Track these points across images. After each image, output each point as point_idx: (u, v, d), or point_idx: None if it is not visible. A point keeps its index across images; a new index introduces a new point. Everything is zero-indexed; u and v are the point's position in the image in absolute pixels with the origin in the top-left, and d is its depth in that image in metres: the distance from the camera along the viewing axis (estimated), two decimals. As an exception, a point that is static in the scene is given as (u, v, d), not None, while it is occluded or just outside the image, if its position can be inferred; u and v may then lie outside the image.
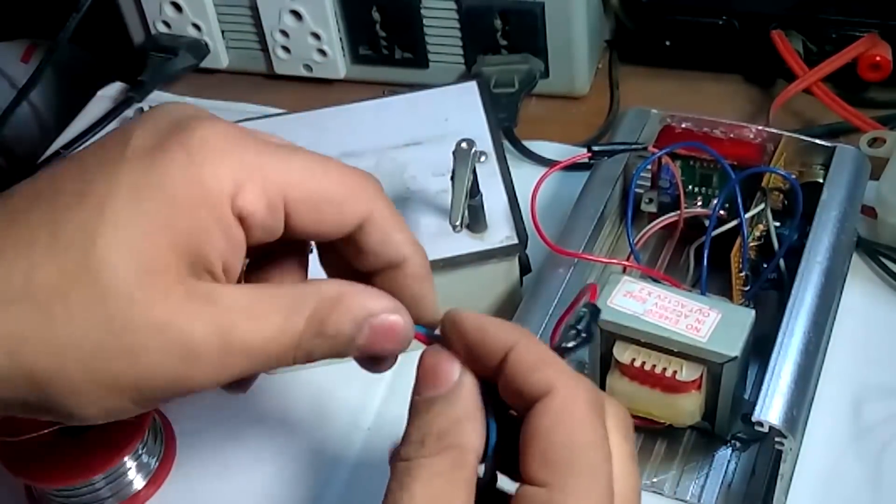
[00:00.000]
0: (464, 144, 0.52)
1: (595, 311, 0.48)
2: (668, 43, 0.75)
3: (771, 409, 0.45)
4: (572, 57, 0.73)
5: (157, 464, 0.54)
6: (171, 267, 0.35)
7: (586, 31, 0.73)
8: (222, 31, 0.79)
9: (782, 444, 0.45)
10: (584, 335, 0.46)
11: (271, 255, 0.41)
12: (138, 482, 0.53)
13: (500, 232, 0.56)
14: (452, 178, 0.52)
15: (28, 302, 0.34)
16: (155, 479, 0.54)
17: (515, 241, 0.55)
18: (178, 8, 0.78)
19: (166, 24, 0.79)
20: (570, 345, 0.46)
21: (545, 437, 0.34)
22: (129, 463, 0.52)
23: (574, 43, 0.73)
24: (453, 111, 0.63)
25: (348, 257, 0.40)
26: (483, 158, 0.58)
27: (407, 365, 0.39)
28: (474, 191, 0.53)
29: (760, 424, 0.45)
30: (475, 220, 0.54)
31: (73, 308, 0.34)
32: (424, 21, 0.74)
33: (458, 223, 0.51)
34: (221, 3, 0.78)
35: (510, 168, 0.60)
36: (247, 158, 0.37)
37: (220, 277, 0.37)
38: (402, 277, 0.40)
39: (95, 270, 0.34)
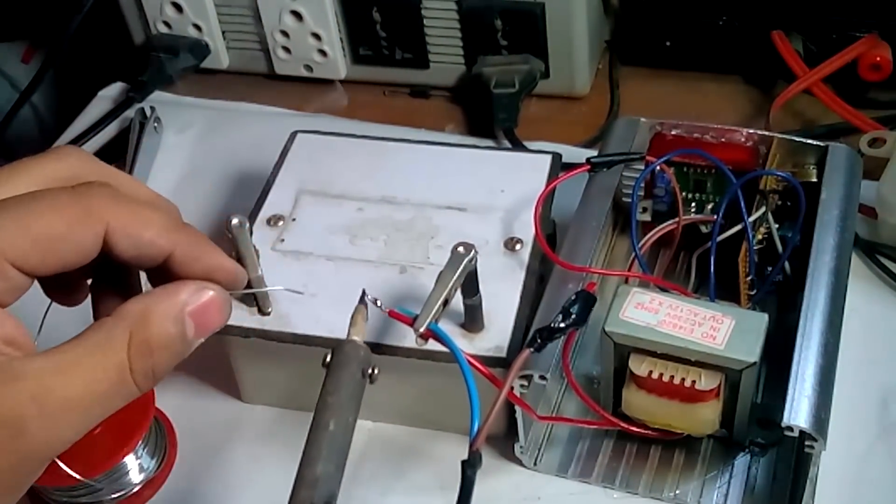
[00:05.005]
0: (461, 249, 0.47)
1: (588, 297, 0.48)
2: (668, 43, 0.75)
3: (799, 413, 0.45)
4: (572, 57, 0.73)
5: (158, 464, 0.54)
6: None
7: (586, 31, 0.73)
8: (223, 32, 0.80)
9: (812, 448, 0.45)
10: (574, 317, 0.47)
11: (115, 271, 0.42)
12: (138, 482, 0.53)
13: (495, 336, 0.50)
14: (438, 278, 0.47)
15: None
16: (155, 480, 0.54)
17: (503, 354, 0.50)
18: (178, 8, 0.78)
19: (167, 24, 0.79)
20: (562, 325, 0.47)
21: None
22: (130, 463, 0.52)
23: (574, 43, 0.73)
24: (514, 183, 0.58)
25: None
26: (518, 247, 0.54)
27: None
28: (472, 290, 0.49)
29: (790, 429, 0.44)
30: (471, 319, 0.50)
31: None
32: (425, 21, 0.74)
33: (421, 329, 0.46)
34: (222, 3, 0.78)
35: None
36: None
37: (18, 339, 0.36)
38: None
39: None
